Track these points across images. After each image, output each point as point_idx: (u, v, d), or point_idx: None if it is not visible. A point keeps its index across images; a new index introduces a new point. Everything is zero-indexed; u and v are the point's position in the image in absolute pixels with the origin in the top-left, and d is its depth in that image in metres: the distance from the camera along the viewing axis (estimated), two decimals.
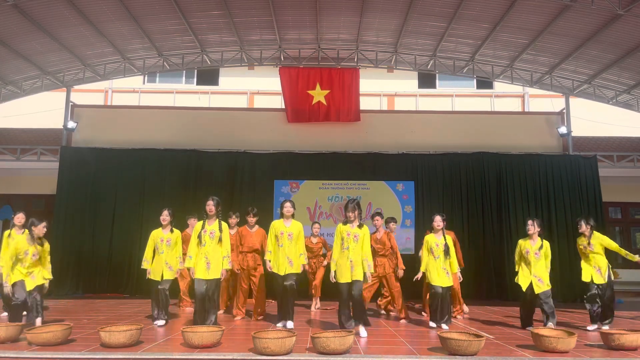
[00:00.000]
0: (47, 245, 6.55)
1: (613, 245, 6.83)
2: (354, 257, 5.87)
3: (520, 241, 6.77)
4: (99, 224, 11.10)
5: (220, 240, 6.02)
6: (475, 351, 4.69)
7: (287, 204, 6.65)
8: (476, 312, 8.79)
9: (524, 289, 6.59)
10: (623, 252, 6.88)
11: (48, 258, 6.55)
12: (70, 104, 12.31)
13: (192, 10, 9.99)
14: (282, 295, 6.51)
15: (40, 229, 6.41)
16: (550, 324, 6.36)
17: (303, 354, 4.71)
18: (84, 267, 10.92)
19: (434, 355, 4.79)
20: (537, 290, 6.47)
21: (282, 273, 6.42)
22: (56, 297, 10.24)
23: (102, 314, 7.84)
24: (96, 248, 10.96)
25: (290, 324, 6.42)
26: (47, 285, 6.47)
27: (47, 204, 12.42)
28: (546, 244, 6.64)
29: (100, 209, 11.18)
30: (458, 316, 7.93)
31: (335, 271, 5.97)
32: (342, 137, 12.09)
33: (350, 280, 5.82)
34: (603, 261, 6.77)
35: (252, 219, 7.34)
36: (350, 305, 5.92)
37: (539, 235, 6.69)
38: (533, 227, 6.63)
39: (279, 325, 6.40)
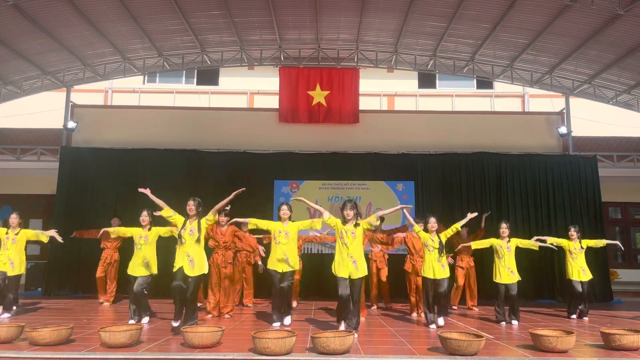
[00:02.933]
0: (21, 234, 7.48)
1: (592, 242, 8.23)
2: (354, 253, 5.96)
3: (494, 240, 7.48)
4: (99, 224, 11.04)
5: (198, 240, 6.10)
6: (475, 351, 4.69)
7: (284, 207, 6.86)
8: (476, 312, 8.80)
9: (508, 281, 7.21)
10: (603, 242, 8.39)
11: (37, 235, 7.60)
12: (70, 104, 12.31)
13: (192, 10, 9.99)
14: (280, 295, 6.56)
15: (11, 219, 7.45)
16: (515, 323, 7.10)
17: (303, 354, 4.71)
18: (84, 267, 10.91)
19: (433, 355, 4.79)
20: (511, 281, 7.23)
21: (279, 270, 6.53)
22: (56, 297, 10.26)
23: (102, 314, 7.84)
24: (96, 248, 10.92)
25: (288, 320, 6.60)
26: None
27: (47, 204, 12.42)
28: (512, 239, 7.50)
29: (100, 209, 11.18)
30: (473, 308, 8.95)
31: (334, 265, 6.04)
32: (342, 137, 12.08)
33: (349, 276, 5.89)
34: (584, 260, 8.07)
35: (223, 219, 7.62)
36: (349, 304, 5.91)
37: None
38: (508, 230, 7.47)
39: (276, 325, 6.42)
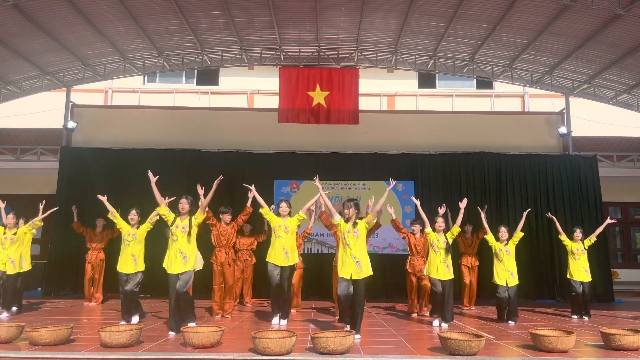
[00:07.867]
0: (19, 232, 7.59)
1: (588, 242, 8.26)
2: (357, 253, 5.73)
3: (495, 243, 7.50)
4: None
5: (189, 235, 6.13)
6: (475, 351, 4.69)
7: (283, 204, 7.01)
8: (476, 312, 8.80)
9: (505, 283, 7.23)
10: (594, 238, 8.36)
11: (32, 225, 7.77)
12: (70, 104, 12.31)
13: (192, 10, 9.99)
14: (278, 291, 6.62)
15: (7, 219, 7.56)
16: (511, 322, 7.15)
17: (303, 354, 4.71)
18: (84, 268, 10.90)
19: (434, 355, 4.79)
20: (511, 284, 7.25)
21: (279, 264, 6.63)
22: (56, 297, 10.26)
23: (102, 314, 7.84)
24: None
25: (284, 322, 6.64)
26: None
27: (47, 204, 12.37)
28: (510, 242, 7.51)
29: (100, 209, 11.13)
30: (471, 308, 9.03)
31: (336, 266, 6.04)
32: (342, 137, 12.08)
33: (351, 277, 5.67)
34: (587, 262, 8.16)
35: (227, 217, 7.75)
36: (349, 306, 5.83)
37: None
38: (507, 234, 7.51)
39: (274, 322, 6.55)
